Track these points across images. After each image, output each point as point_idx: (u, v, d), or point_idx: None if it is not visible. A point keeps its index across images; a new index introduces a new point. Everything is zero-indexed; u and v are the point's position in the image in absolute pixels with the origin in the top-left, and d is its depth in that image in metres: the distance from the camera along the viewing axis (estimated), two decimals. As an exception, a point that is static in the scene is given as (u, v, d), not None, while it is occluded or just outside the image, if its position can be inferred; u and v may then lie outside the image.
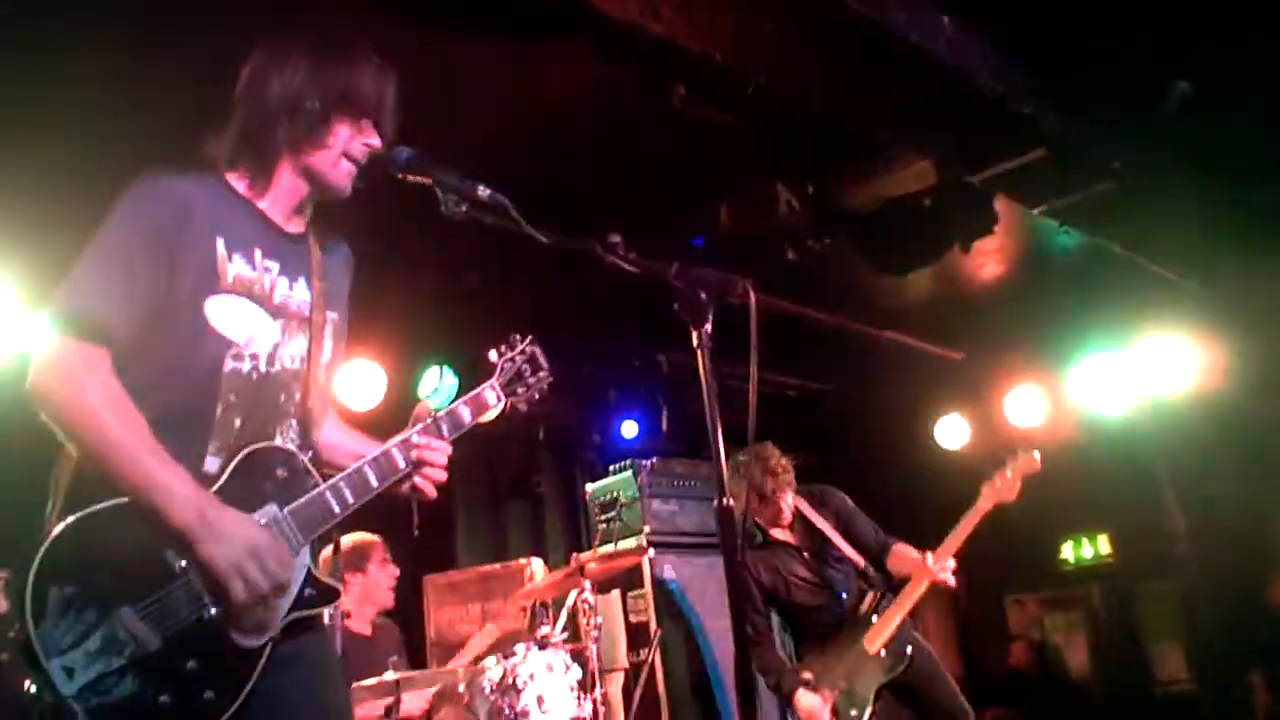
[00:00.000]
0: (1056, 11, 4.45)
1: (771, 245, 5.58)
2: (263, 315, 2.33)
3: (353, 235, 5.50)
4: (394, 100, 2.47)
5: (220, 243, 2.28)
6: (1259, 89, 4.94)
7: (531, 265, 5.63)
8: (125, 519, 2.06)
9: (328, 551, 4.86)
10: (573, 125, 4.88)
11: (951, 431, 8.94)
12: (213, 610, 2.09)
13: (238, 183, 2.39)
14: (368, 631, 5.32)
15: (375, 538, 5.38)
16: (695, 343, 2.22)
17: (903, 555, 4.93)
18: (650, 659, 5.24)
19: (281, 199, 2.42)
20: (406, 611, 6.10)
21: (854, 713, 4.73)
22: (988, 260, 6.83)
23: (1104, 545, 9.21)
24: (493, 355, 2.79)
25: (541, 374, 2.84)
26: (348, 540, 5.06)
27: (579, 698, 4.58)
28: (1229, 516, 7.64)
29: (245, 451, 2.23)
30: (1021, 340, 8.07)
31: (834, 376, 8.83)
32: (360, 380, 6.74)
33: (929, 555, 4.80)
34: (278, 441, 2.32)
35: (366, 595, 5.28)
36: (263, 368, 2.31)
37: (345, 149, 2.40)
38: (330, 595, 2.35)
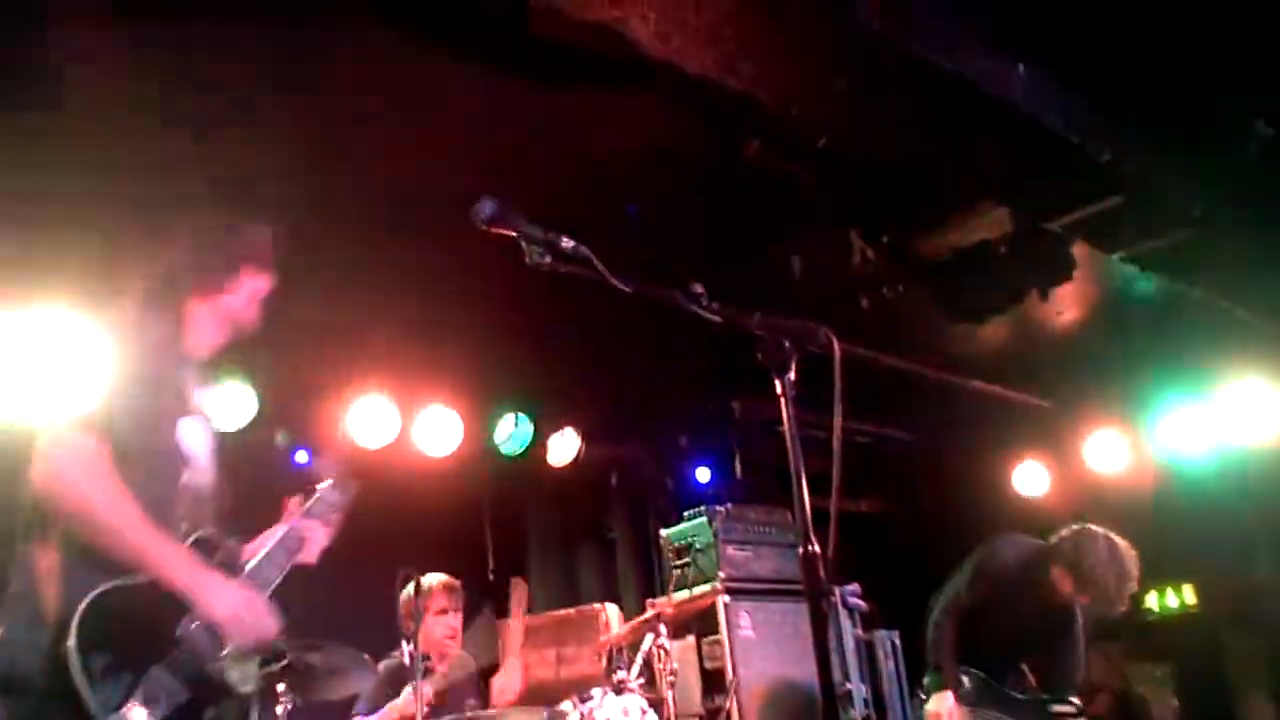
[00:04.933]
0: (1135, 56, 4.44)
1: (847, 294, 5.59)
2: (203, 432, 2.81)
3: (430, 283, 5.61)
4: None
5: (184, 372, 2.80)
6: (1342, 132, 4.87)
7: (604, 313, 5.70)
8: (132, 595, 2.38)
9: (408, 592, 4.94)
10: (649, 177, 4.96)
11: (1030, 479, 8.81)
12: (217, 664, 2.50)
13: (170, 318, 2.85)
14: (442, 669, 5.36)
15: (436, 584, 5.35)
16: (779, 391, 2.25)
17: None
18: (729, 707, 5.22)
19: (198, 335, 2.90)
20: (482, 655, 6.14)
21: None
22: (1066, 306, 6.76)
23: (1189, 595, 8.98)
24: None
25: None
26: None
27: (655, 743, 4.58)
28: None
29: (194, 538, 2.62)
30: (1101, 386, 7.95)
31: (908, 424, 8.76)
32: (437, 427, 6.85)
33: None
34: (209, 531, 2.72)
35: (426, 639, 5.26)
36: (198, 479, 2.75)
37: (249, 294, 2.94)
38: (279, 654, 2.92)
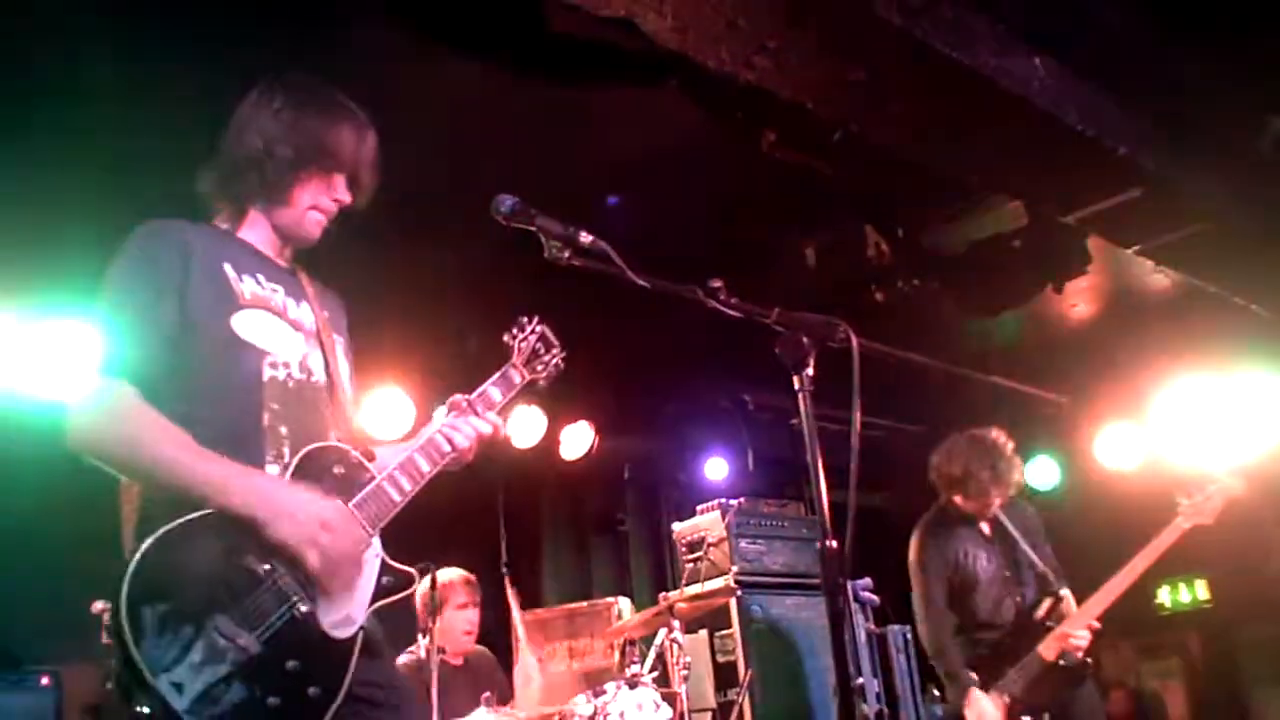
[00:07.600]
0: (1152, 50, 4.42)
1: (860, 287, 5.59)
2: (285, 327, 2.44)
3: (447, 277, 5.60)
4: (372, 156, 2.61)
5: (228, 267, 2.40)
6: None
7: (616, 305, 5.70)
8: (201, 532, 2.08)
9: (425, 586, 4.96)
10: (662, 170, 4.96)
11: (1042, 473, 8.80)
12: (303, 608, 2.14)
13: (222, 224, 2.55)
14: (458, 662, 5.38)
15: (457, 578, 5.37)
16: (796, 386, 2.26)
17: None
18: (741, 700, 5.23)
19: (260, 239, 2.55)
20: (496, 649, 6.15)
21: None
22: (1079, 299, 6.74)
23: (1202, 590, 8.97)
24: (507, 338, 2.93)
25: (554, 350, 3.01)
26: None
27: (669, 737, 4.59)
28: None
29: (303, 452, 2.30)
30: (1114, 380, 7.93)
31: (919, 418, 8.75)
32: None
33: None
34: (329, 442, 2.39)
35: (445, 633, 5.29)
36: (297, 375, 2.41)
37: (313, 203, 2.54)
38: (407, 581, 2.41)
